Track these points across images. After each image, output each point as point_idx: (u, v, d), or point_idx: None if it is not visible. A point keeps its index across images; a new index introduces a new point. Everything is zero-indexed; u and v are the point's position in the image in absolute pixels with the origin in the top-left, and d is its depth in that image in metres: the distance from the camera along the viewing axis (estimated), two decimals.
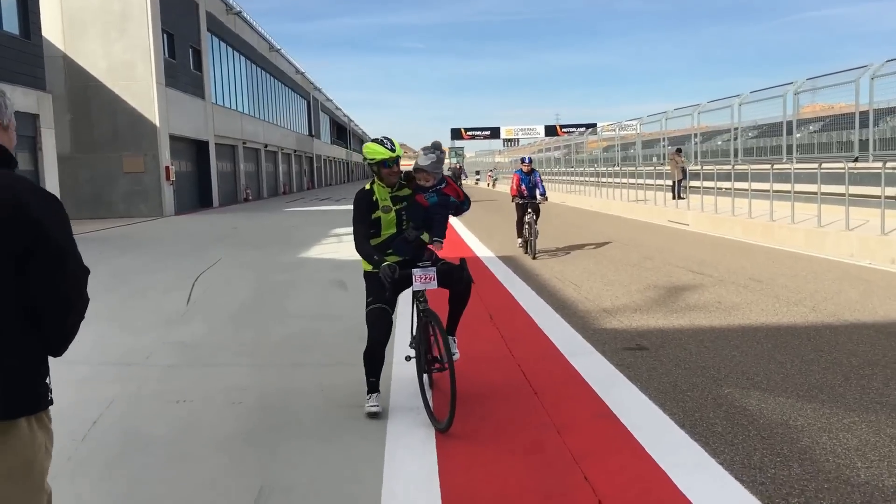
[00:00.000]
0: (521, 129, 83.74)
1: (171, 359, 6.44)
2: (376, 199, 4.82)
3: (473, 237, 16.57)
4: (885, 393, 4.97)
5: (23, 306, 2.06)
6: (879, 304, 7.95)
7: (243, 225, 22.76)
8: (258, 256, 14.24)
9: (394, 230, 4.87)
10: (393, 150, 4.73)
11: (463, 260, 4.87)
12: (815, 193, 13.74)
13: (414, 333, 5.00)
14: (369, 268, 4.78)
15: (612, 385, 5.28)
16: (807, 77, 16.98)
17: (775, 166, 16.21)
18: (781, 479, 3.66)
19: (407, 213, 4.89)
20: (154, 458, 4.20)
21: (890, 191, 12.26)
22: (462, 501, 3.53)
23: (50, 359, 2.18)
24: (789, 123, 17.52)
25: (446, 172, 5.13)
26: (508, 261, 12.33)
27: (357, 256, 4.84)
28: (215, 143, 35.28)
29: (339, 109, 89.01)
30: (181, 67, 31.05)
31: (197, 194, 33.57)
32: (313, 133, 66.54)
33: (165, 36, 29.18)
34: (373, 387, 4.78)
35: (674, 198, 22.63)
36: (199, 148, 33.83)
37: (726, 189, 17.99)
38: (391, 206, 4.84)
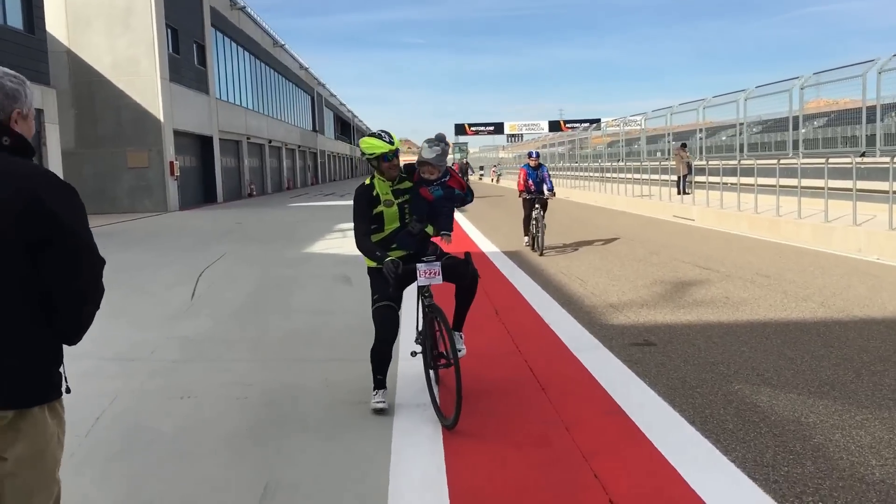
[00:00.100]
0: (525, 125, 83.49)
1: (176, 354, 6.41)
2: (377, 193, 4.74)
3: (478, 232, 16.51)
4: None
5: (38, 295, 2.07)
6: (889, 299, 7.88)
7: (248, 220, 22.72)
8: (263, 251, 14.21)
9: (397, 224, 4.80)
10: (392, 144, 4.64)
11: (468, 254, 4.78)
12: (822, 189, 13.64)
13: (419, 329, 4.94)
14: (373, 263, 4.71)
15: (620, 381, 5.23)
16: (813, 72, 16.90)
17: (781, 161, 16.11)
18: (795, 477, 3.61)
19: (409, 206, 4.82)
20: (158, 454, 4.16)
21: None
22: (470, 500, 3.47)
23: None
24: (795, 118, 17.45)
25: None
26: (513, 256, 12.26)
27: None
28: (219, 139, 35.23)
29: (343, 105, 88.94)
30: (185, 62, 30.99)
31: (201, 190, 33.54)
32: (317, 128, 66.48)
33: (169, 31, 29.11)
34: (379, 383, 4.73)
35: (679, 193, 22.52)
36: (203, 143, 33.79)
37: (732, 184, 17.89)
38: (393, 199, 4.76)
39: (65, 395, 2.23)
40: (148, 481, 3.82)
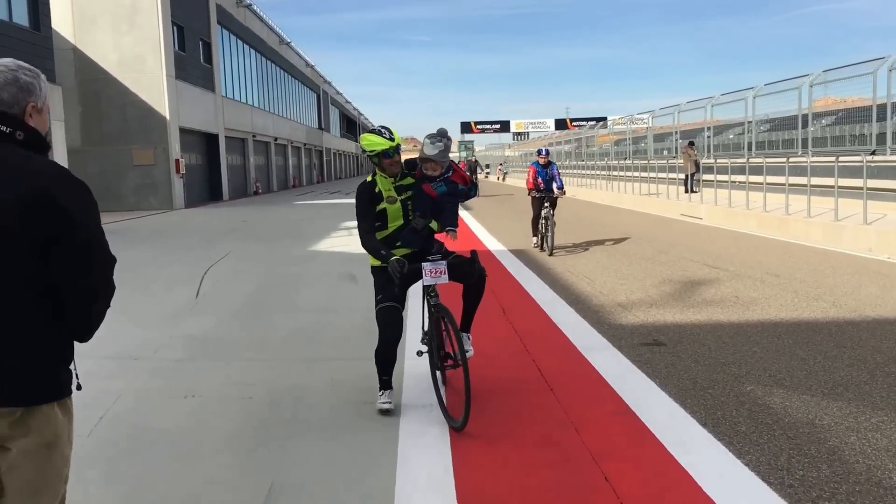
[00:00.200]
0: (532, 123, 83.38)
1: (180, 353, 6.35)
2: (379, 190, 4.65)
3: (484, 230, 16.43)
4: None
5: (48, 292, 2.04)
6: None
7: (253, 218, 22.69)
8: (268, 249, 14.17)
9: (401, 221, 4.71)
10: (392, 140, 4.55)
11: (474, 252, 4.70)
12: (832, 187, 13.51)
13: (425, 328, 4.87)
14: (377, 262, 4.63)
15: (629, 381, 5.15)
16: (822, 69, 16.75)
17: (790, 160, 15.98)
18: (811, 481, 3.52)
19: (412, 203, 4.73)
20: (161, 454, 4.10)
21: None
22: (478, 502, 3.40)
23: None
24: (804, 116, 17.28)
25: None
26: (520, 254, 12.18)
27: None
28: (225, 136, 35.23)
29: (349, 103, 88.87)
30: (191, 60, 30.99)
31: (207, 187, 33.54)
32: (323, 126, 66.45)
33: (175, 29, 29.11)
34: (385, 384, 4.66)
35: (686, 191, 22.40)
36: (209, 141, 33.78)
37: (740, 182, 17.76)
38: (396, 196, 4.67)
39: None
40: (151, 481, 3.76)
